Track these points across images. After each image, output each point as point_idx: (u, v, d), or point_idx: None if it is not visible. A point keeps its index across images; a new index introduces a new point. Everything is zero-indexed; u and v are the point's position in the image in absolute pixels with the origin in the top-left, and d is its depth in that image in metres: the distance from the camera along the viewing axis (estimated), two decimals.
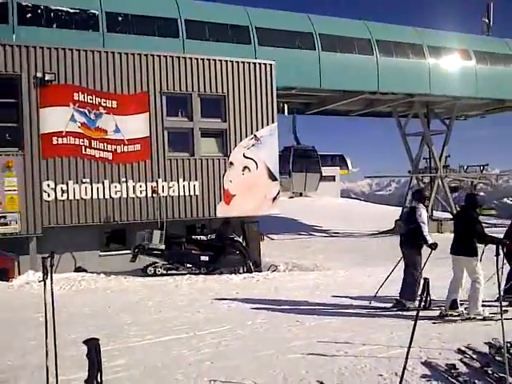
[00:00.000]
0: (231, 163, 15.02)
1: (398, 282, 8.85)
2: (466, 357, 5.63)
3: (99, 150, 13.41)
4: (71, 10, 16.77)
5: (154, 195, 13.91)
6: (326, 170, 38.51)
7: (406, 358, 4.56)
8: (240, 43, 19.47)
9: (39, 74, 12.82)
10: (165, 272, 12.91)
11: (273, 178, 15.59)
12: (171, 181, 14.26)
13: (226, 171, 14.94)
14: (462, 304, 7.78)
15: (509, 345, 5.65)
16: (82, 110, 13.24)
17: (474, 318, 7.31)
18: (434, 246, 7.79)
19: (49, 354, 4.45)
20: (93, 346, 4.42)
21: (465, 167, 36.57)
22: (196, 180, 14.56)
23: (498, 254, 5.90)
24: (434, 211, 28.00)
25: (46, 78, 12.81)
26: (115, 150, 13.59)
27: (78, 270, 13.10)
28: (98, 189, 13.40)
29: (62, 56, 13.17)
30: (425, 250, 8.21)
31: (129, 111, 13.79)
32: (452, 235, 7.92)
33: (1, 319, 8.21)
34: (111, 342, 6.44)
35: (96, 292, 10.71)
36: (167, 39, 18.06)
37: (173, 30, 18.40)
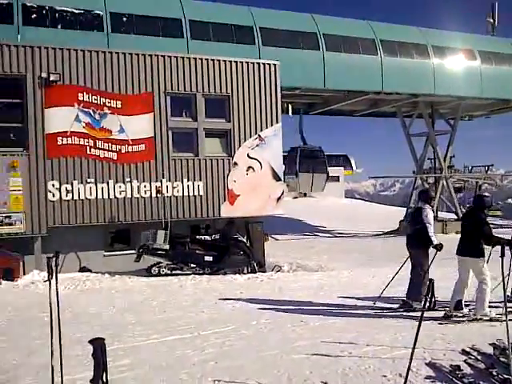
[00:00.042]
0: (235, 163, 15.02)
1: (402, 282, 8.84)
2: (470, 358, 5.61)
3: (104, 150, 13.45)
4: (76, 11, 16.84)
5: (158, 195, 13.94)
6: (330, 171, 38.39)
7: (411, 358, 4.56)
8: (244, 43, 19.51)
9: (44, 75, 12.85)
10: (169, 272, 12.93)
11: (277, 178, 15.59)
12: (175, 181, 14.28)
13: (230, 171, 14.95)
14: (468, 305, 7.77)
15: None
16: (86, 110, 13.27)
17: (480, 319, 7.29)
18: (439, 247, 7.77)
19: (54, 354, 4.47)
20: (98, 345, 4.43)
21: (469, 167, 36.44)
22: (200, 180, 14.57)
23: (503, 255, 5.89)
24: (438, 212, 27.93)
25: (51, 79, 12.85)
26: (120, 150, 13.61)
27: (83, 269, 13.14)
28: (102, 189, 13.43)
29: (66, 56, 13.20)
30: (431, 251, 8.19)
31: (133, 111, 13.82)
32: (457, 236, 7.90)
33: (6, 319, 8.25)
34: (116, 342, 6.46)
35: (100, 292, 10.73)
36: (171, 39, 18.12)
37: (177, 31, 18.45)
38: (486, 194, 8.26)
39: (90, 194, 13.32)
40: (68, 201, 13.10)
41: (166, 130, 14.23)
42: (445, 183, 27.77)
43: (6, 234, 12.39)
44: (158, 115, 14.12)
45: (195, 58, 14.77)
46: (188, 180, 14.43)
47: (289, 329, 7.15)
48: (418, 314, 5.73)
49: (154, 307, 9.00)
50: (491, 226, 7.70)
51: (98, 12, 17.17)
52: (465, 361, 5.53)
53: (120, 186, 13.63)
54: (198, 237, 13.83)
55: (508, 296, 7.47)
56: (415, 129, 28.56)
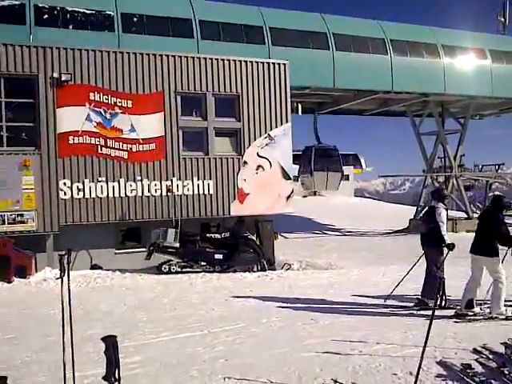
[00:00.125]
0: (245, 162, 15.05)
1: (413, 280, 8.83)
2: (481, 357, 5.59)
3: (115, 149, 13.53)
4: (87, 11, 16.95)
5: (168, 194, 14.00)
6: None
7: (421, 357, 4.56)
8: (254, 43, 19.53)
9: (56, 75, 12.95)
10: (179, 270, 12.98)
11: (286, 176, 15.59)
12: (186, 180, 14.34)
13: (240, 170, 14.98)
14: (484, 303, 7.75)
15: None
16: (97, 109, 13.36)
17: (496, 318, 7.27)
18: (451, 247, 7.74)
19: (66, 350, 4.51)
20: (111, 342, 4.46)
21: (480, 166, 36.17)
22: (210, 179, 14.62)
23: None
24: (448, 210, 27.76)
25: (63, 79, 12.95)
26: (130, 149, 13.69)
27: (94, 267, 13.23)
28: (113, 187, 13.52)
29: (78, 56, 13.29)
30: (445, 250, 8.16)
31: (144, 111, 13.89)
32: (467, 234, 7.89)
33: (19, 315, 8.34)
34: (126, 339, 6.50)
35: (111, 289, 10.81)
36: (182, 39, 18.18)
37: (187, 31, 18.52)
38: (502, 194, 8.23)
39: (101, 193, 13.41)
40: (79, 199, 13.20)
41: (177, 130, 14.29)
42: (455, 182, 27.62)
43: (18, 232, 12.51)
44: (168, 115, 14.18)
45: (205, 58, 14.81)
46: (198, 179, 14.48)
47: (299, 327, 7.16)
48: (429, 312, 5.73)
49: (164, 305, 9.06)
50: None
51: (109, 12, 17.28)
52: (476, 359, 5.51)
53: (131, 185, 13.71)
54: (208, 235, 13.89)
55: None
56: (425, 128, 28.47)
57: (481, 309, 7.63)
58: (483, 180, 33.44)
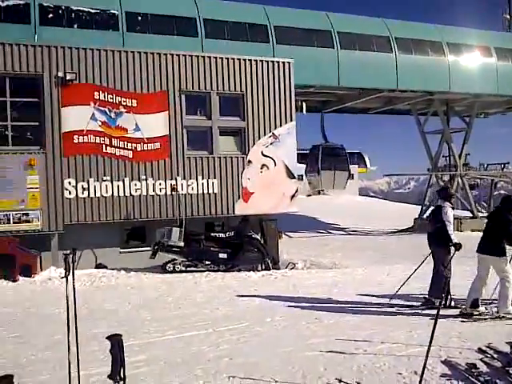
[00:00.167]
0: (249, 161, 15.05)
1: (418, 280, 8.82)
2: (486, 356, 5.58)
3: (119, 148, 13.56)
4: (92, 11, 16.98)
5: (173, 193, 14.02)
6: None
7: (426, 356, 4.55)
8: (258, 42, 19.51)
9: (60, 74, 12.99)
10: (184, 269, 13.00)
11: (291, 175, 15.58)
12: (190, 179, 14.35)
13: (244, 169, 14.98)
14: (491, 303, 7.72)
15: None
16: (102, 108, 13.39)
17: (503, 317, 7.25)
18: (458, 247, 7.69)
19: (70, 349, 4.53)
20: (116, 341, 4.47)
21: (485, 165, 36.03)
22: (215, 178, 14.62)
23: None
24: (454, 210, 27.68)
25: (67, 78, 12.98)
26: (135, 148, 13.72)
27: (99, 266, 13.26)
28: (118, 186, 13.55)
29: (82, 56, 13.33)
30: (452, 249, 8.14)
31: (148, 110, 13.90)
32: (472, 234, 7.87)
33: (24, 314, 8.37)
34: (131, 338, 6.51)
35: (116, 288, 10.84)
36: (186, 38, 18.18)
37: (191, 29, 18.51)
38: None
39: (106, 192, 13.44)
40: (84, 198, 13.23)
41: (181, 129, 14.30)
42: (460, 181, 27.53)
43: (23, 231, 12.56)
44: (172, 114, 14.19)
45: (209, 57, 14.82)
46: (203, 178, 14.49)
47: (303, 326, 7.16)
48: (434, 311, 5.71)
49: (169, 304, 9.07)
50: None
51: (113, 11, 17.30)
52: (481, 359, 5.50)
53: (135, 184, 13.73)
54: (212, 234, 13.91)
55: None
56: (430, 126, 28.36)
57: (486, 308, 7.61)
58: (488, 179, 33.33)
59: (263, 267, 13.72)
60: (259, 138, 15.15)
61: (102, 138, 13.37)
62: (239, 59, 15.10)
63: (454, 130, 27.99)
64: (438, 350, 5.75)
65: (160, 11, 18.20)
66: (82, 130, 13.19)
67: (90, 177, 13.29)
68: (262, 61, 15.45)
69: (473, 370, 5.09)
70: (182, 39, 18.02)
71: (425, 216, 25.38)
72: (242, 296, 9.52)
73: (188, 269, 13.02)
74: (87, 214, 13.23)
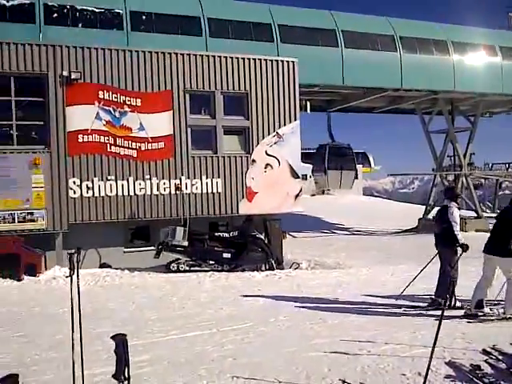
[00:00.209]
0: (254, 161, 15.04)
1: (424, 280, 8.79)
2: (491, 358, 5.56)
3: (124, 147, 13.58)
4: (96, 10, 16.98)
5: (177, 192, 14.03)
6: None
7: (430, 357, 4.54)
8: (262, 41, 19.46)
9: (65, 73, 13.01)
10: (188, 268, 13.01)
11: (295, 175, 15.57)
12: (194, 178, 14.36)
13: (248, 169, 14.98)
14: (498, 303, 7.69)
15: None
16: (106, 108, 13.41)
17: (510, 318, 7.22)
18: (464, 247, 7.65)
19: (75, 348, 4.54)
20: (120, 341, 4.48)
21: (490, 165, 35.97)
22: (219, 177, 14.63)
23: None
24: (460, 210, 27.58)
25: (72, 77, 13.00)
26: (139, 147, 13.73)
27: (103, 265, 13.28)
28: (122, 186, 13.56)
29: (87, 55, 13.35)
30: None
31: (153, 109, 13.91)
32: (477, 234, 7.85)
33: (28, 313, 8.39)
34: (135, 338, 6.51)
35: (120, 288, 10.85)
36: (190, 37, 18.15)
37: (196, 29, 18.49)
38: None
39: (111, 191, 13.46)
40: (88, 198, 13.26)
41: (185, 128, 14.31)
42: (464, 181, 27.44)
43: (28, 231, 12.59)
44: (177, 113, 14.20)
45: (214, 56, 14.81)
46: (207, 177, 14.50)
47: (307, 326, 7.15)
48: (438, 312, 5.69)
49: (173, 303, 9.08)
50: None
51: (117, 11, 17.30)
52: (485, 360, 5.48)
53: (140, 183, 13.75)
54: (216, 234, 13.91)
55: None
56: (435, 126, 28.23)
57: (491, 309, 7.58)
58: (493, 179, 33.23)
59: (267, 267, 13.71)
60: (263, 138, 15.13)
61: (106, 138, 13.39)
62: (243, 58, 15.09)
63: (458, 129, 27.87)
64: (442, 351, 5.73)
65: (164, 10, 18.19)
66: (87, 130, 13.21)
67: (95, 176, 13.31)
68: (266, 60, 15.43)
69: (477, 372, 5.07)
70: (187, 38, 18.01)
71: (429, 216, 25.30)
72: (246, 296, 9.52)
73: (192, 268, 13.04)
74: (91, 214, 13.25)
